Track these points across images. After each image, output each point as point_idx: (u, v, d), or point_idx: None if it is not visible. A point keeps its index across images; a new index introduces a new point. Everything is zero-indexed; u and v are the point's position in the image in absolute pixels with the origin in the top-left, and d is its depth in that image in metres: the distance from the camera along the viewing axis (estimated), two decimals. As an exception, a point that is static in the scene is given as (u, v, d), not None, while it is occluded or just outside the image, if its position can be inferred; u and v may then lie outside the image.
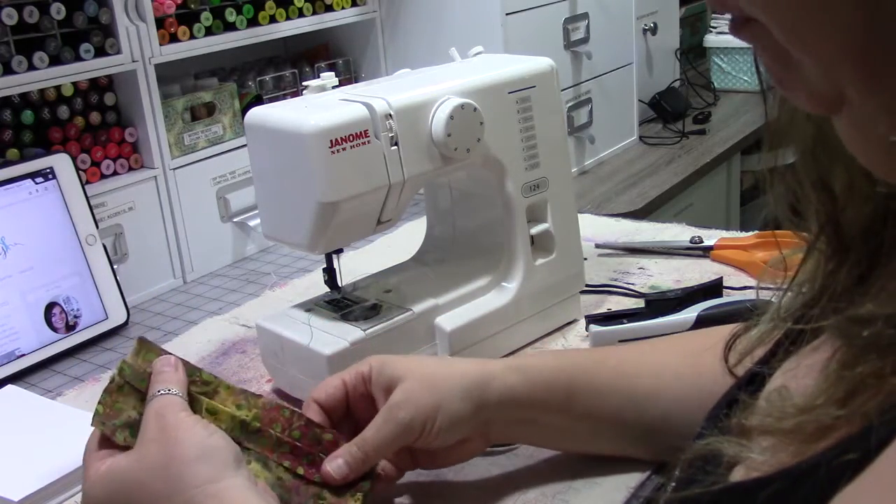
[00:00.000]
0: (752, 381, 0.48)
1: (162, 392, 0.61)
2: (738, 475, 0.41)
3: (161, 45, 1.23)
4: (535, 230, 0.94)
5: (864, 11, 0.32)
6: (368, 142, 0.80)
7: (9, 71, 1.08)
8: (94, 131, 1.21)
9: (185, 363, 0.66)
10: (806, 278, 0.47)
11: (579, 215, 1.01)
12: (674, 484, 0.44)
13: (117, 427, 0.61)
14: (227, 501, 0.55)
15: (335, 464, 0.64)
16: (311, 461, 0.65)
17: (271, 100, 1.44)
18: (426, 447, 0.68)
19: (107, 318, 1.12)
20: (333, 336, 0.84)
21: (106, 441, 0.62)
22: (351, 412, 0.70)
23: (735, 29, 0.37)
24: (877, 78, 0.33)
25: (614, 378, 0.70)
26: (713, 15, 2.67)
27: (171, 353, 0.66)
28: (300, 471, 0.65)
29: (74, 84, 1.19)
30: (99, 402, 0.63)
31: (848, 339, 0.37)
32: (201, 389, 0.66)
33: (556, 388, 0.69)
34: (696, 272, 1.09)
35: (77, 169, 1.13)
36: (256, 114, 0.84)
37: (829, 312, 0.43)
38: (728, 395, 0.50)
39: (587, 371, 0.71)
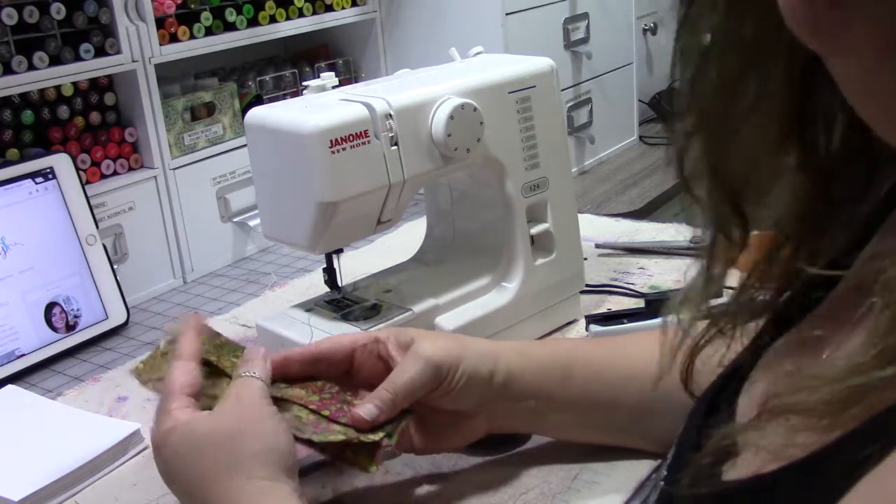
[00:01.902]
0: (737, 372, 0.48)
1: (247, 374, 0.64)
2: (753, 464, 0.40)
3: (161, 45, 1.23)
4: (535, 230, 0.94)
5: None
6: (368, 142, 0.81)
7: (9, 71, 1.08)
8: (94, 131, 1.21)
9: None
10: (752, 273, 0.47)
11: (579, 215, 1.01)
12: (687, 481, 0.43)
13: (151, 379, 0.66)
14: (273, 500, 0.57)
15: (365, 407, 0.65)
16: (338, 409, 0.66)
17: (271, 100, 1.44)
18: (442, 404, 0.68)
19: (107, 318, 1.12)
20: (333, 336, 0.84)
21: (187, 389, 0.63)
22: (356, 373, 0.71)
23: None
24: None
25: (611, 358, 0.71)
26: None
27: (232, 341, 0.71)
28: (325, 413, 0.66)
29: (74, 84, 1.19)
30: (141, 362, 0.68)
31: None
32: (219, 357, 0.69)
33: (554, 367, 0.70)
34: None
35: (77, 169, 1.13)
36: (256, 114, 0.84)
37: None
38: (721, 386, 0.50)
39: (585, 351, 0.72)
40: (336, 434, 0.64)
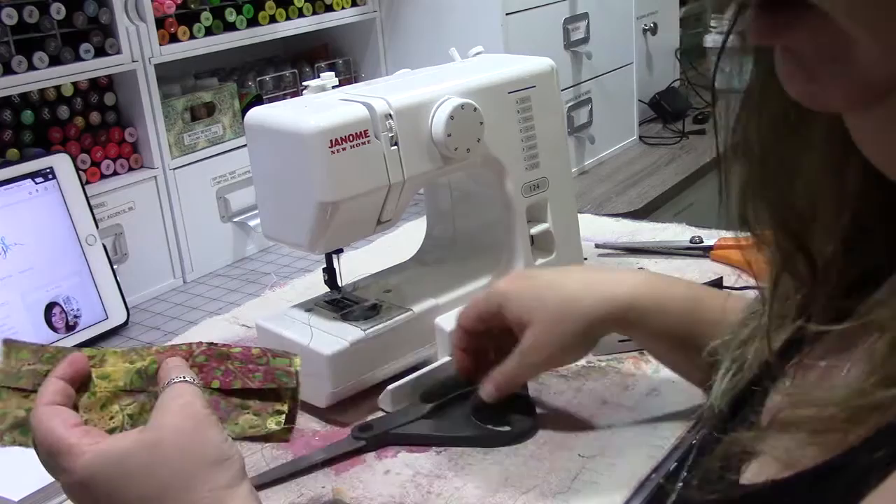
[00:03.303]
0: (763, 378, 0.48)
1: (178, 379, 0.60)
2: (771, 469, 0.41)
3: (161, 45, 1.23)
4: (535, 230, 0.94)
5: None
6: (368, 142, 0.80)
7: (9, 71, 1.08)
8: (94, 131, 1.21)
9: (62, 348, 0.65)
10: (785, 291, 0.46)
11: (579, 215, 1.01)
12: (696, 482, 0.43)
13: (4, 431, 0.60)
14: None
15: (486, 390, 0.77)
16: (223, 372, 0.64)
17: (271, 100, 1.44)
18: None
19: (107, 318, 1.12)
20: (333, 336, 0.84)
21: (76, 419, 0.59)
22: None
23: (774, 29, 0.35)
24: None
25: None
26: (713, 15, 2.67)
27: (44, 346, 0.64)
28: (215, 384, 0.63)
29: (74, 84, 1.19)
30: None
31: None
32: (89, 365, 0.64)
33: (686, 310, 0.73)
34: (696, 272, 1.09)
35: (77, 169, 1.13)
36: (256, 114, 0.84)
37: (831, 310, 0.42)
38: (744, 390, 0.50)
39: (713, 297, 0.74)
40: (245, 415, 0.62)
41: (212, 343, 0.65)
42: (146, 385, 0.63)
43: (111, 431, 0.61)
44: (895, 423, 0.33)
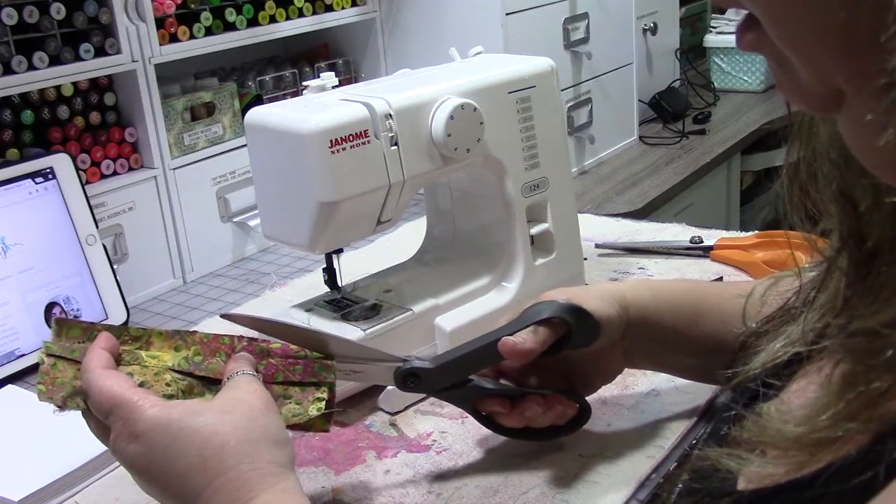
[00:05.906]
0: (758, 393, 0.48)
1: (241, 373, 0.63)
2: (741, 485, 0.42)
3: (161, 45, 1.23)
4: (535, 230, 0.94)
5: (844, 6, 0.32)
6: (368, 142, 0.81)
7: (9, 71, 1.08)
8: (94, 131, 1.21)
9: (110, 326, 0.68)
10: (828, 298, 0.46)
11: (579, 215, 1.01)
12: (680, 485, 0.44)
13: (66, 398, 0.63)
14: (288, 485, 0.57)
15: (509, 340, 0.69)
16: (266, 366, 0.67)
17: (271, 100, 1.44)
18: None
19: (107, 318, 1.12)
20: (333, 336, 0.84)
21: (133, 383, 0.62)
22: None
23: (739, 34, 0.37)
24: (864, 69, 0.33)
25: (741, 305, 0.67)
26: (713, 15, 2.68)
27: (94, 324, 0.68)
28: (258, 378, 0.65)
29: (74, 84, 1.19)
30: (39, 383, 0.65)
31: (856, 355, 0.37)
32: (134, 346, 0.67)
33: (685, 306, 0.72)
34: (696, 272, 1.09)
35: (77, 169, 1.13)
36: (256, 114, 0.84)
37: (835, 329, 0.42)
38: (729, 406, 0.50)
39: (715, 295, 0.73)
40: (287, 404, 0.65)
41: (252, 339, 0.68)
42: (193, 369, 0.66)
43: (167, 397, 0.63)
44: (853, 455, 0.35)
